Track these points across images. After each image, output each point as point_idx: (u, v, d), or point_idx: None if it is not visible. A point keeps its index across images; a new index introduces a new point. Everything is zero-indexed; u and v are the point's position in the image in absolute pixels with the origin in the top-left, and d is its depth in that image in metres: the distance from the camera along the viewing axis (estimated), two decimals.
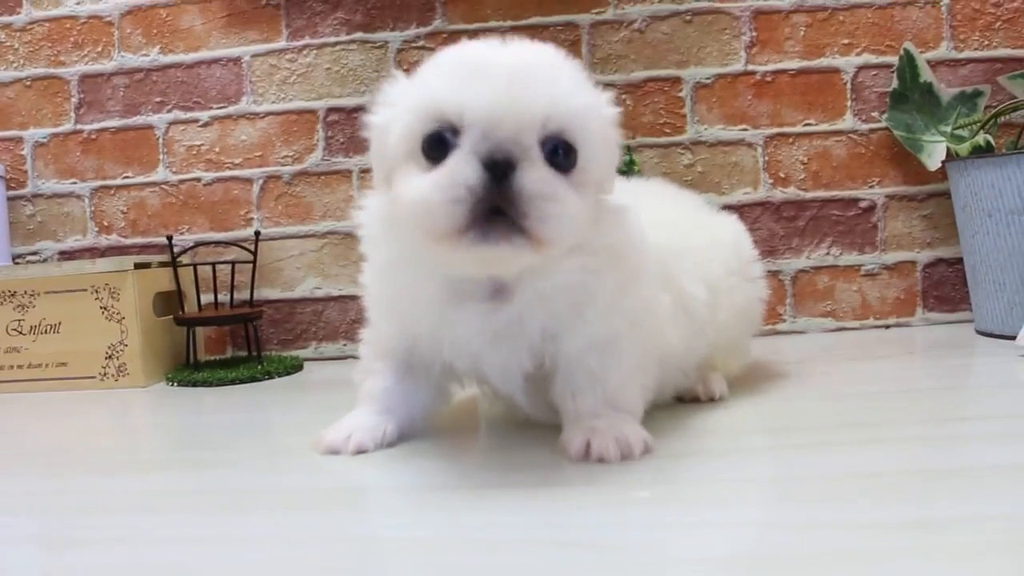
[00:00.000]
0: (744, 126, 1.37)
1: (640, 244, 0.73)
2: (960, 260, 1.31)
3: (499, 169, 0.59)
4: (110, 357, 1.26)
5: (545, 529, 0.55)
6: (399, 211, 0.65)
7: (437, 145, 0.62)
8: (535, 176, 0.60)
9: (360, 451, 0.75)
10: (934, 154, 1.31)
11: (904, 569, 0.45)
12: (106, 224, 1.48)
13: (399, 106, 0.67)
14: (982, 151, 1.20)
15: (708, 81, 1.37)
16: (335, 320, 1.44)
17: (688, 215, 0.95)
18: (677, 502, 0.59)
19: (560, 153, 0.63)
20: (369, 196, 0.75)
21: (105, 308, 1.26)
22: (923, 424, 0.78)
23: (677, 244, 0.83)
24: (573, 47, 1.38)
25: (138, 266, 1.27)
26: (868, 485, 0.60)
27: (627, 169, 1.22)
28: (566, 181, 0.63)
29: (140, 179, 1.47)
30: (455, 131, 0.62)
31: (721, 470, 0.66)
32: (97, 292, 1.26)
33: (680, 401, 0.88)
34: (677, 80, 1.37)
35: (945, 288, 1.37)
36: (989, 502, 0.55)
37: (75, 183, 1.48)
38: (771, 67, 1.37)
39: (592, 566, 0.48)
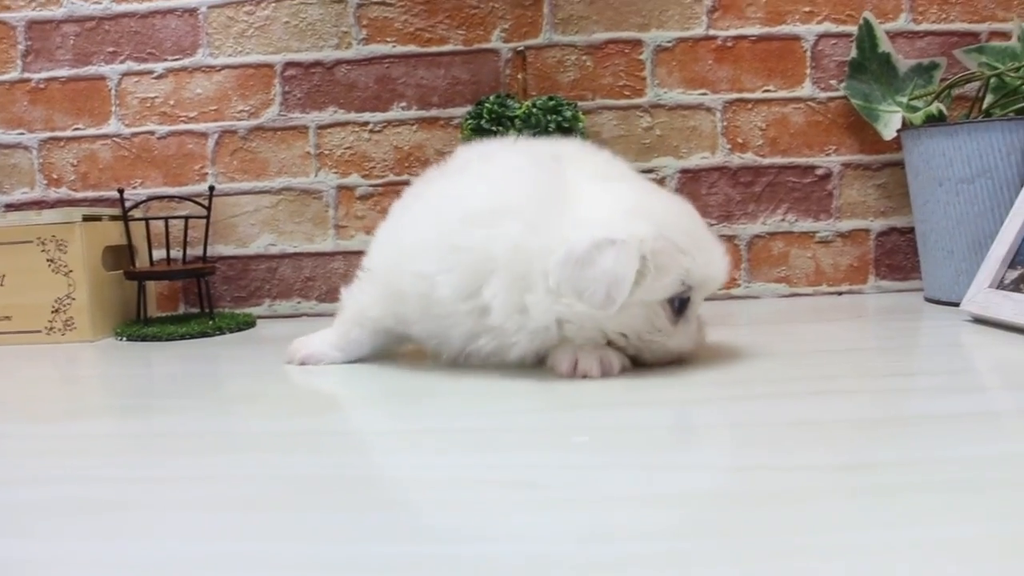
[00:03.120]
0: (704, 91, 1.37)
1: None
2: (912, 230, 1.33)
3: None
4: (57, 311, 1.24)
5: (487, 469, 0.55)
6: None
7: None
8: None
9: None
10: (890, 124, 1.32)
11: (830, 506, 0.46)
12: (55, 177, 1.45)
13: None
14: (935, 120, 1.21)
15: (669, 44, 1.37)
16: (289, 277, 1.43)
17: None
18: (619, 446, 0.59)
19: None
20: None
21: (52, 261, 1.23)
22: (866, 379, 0.79)
23: None
24: (534, 7, 1.36)
25: (87, 218, 1.25)
26: (806, 432, 0.60)
27: (571, 126, 1.22)
28: None
29: (91, 131, 1.44)
30: None
31: (665, 418, 0.67)
32: (44, 244, 1.23)
33: None
34: (638, 43, 1.37)
35: (897, 257, 1.39)
36: (922, 447, 0.56)
37: (22, 134, 1.45)
38: (732, 32, 1.37)
39: (531, 503, 0.48)
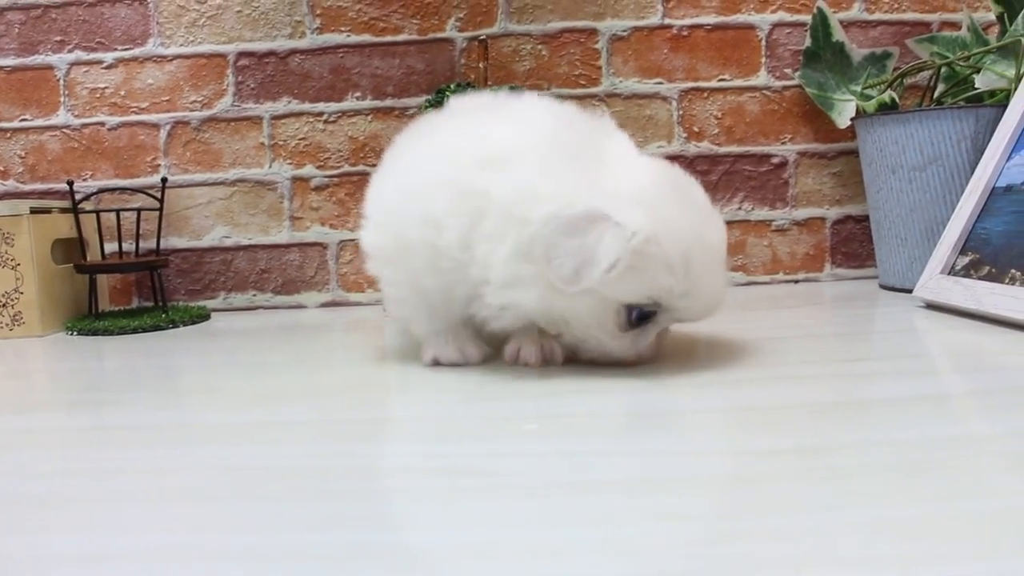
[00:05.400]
0: (659, 80, 1.37)
1: None
2: (867, 218, 1.34)
3: None
4: (4, 305, 1.21)
5: (436, 458, 0.55)
6: None
7: None
8: None
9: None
10: (844, 112, 1.33)
11: (780, 489, 0.46)
12: (2, 169, 1.42)
13: None
14: (888, 109, 1.22)
15: (624, 34, 1.37)
16: (244, 270, 1.41)
17: None
18: (565, 433, 0.59)
19: None
20: None
21: None
22: (819, 364, 0.80)
23: None
24: None
25: (35, 211, 1.22)
26: (759, 417, 0.61)
27: None
28: None
29: (39, 122, 1.41)
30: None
31: (618, 405, 0.67)
32: None
33: None
34: (593, 32, 1.37)
35: (853, 244, 1.41)
36: (873, 430, 0.57)
37: None
38: (687, 21, 1.37)
39: (477, 490, 0.47)
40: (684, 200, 0.74)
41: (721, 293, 0.76)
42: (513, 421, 0.62)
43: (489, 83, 1.29)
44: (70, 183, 1.24)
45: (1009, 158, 1.03)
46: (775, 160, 1.39)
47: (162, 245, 1.37)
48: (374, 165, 1.36)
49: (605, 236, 0.68)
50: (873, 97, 1.26)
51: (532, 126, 0.77)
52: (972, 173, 1.09)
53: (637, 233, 0.68)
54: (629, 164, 0.76)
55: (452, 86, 1.24)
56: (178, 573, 0.39)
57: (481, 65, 1.25)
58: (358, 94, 1.38)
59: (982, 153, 1.08)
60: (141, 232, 1.33)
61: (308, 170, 1.39)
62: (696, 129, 1.38)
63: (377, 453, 0.58)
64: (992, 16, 1.28)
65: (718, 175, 1.38)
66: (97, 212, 1.29)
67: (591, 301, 0.72)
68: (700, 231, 0.72)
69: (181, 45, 1.39)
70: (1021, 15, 1.17)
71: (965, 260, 1.03)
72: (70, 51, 1.40)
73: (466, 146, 0.78)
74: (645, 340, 0.76)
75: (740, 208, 1.39)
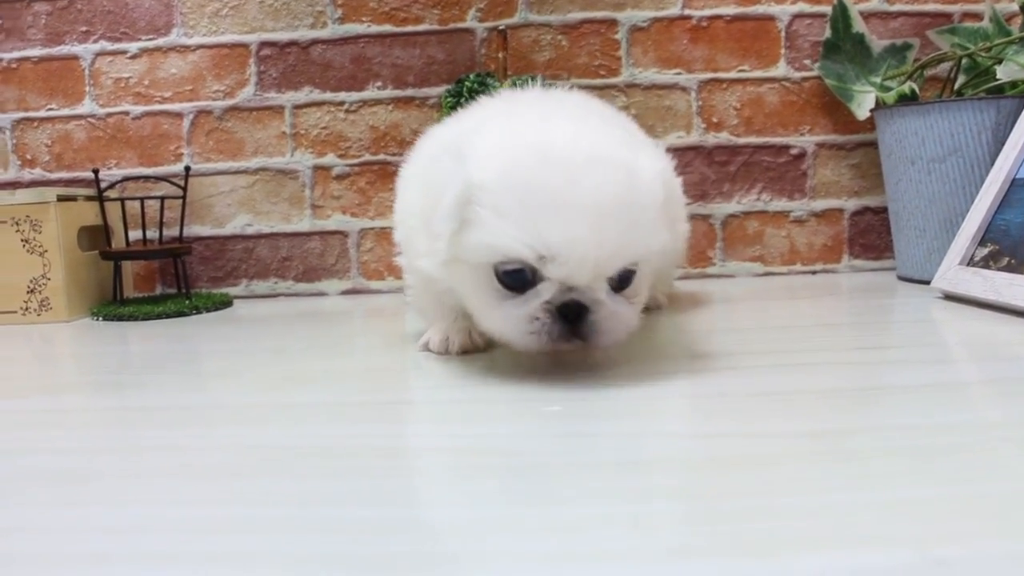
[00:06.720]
0: (679, 70, 1.37)
1: None
2: (886, 209, 1.34)
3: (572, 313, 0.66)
4: (32, 291, 1.23)
5: (451, 438, 0.56)
6: None
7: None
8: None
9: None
10: (864, 104, 1.33)
11: (793, 471, 0.46)
12: (29, 158, 1.44)
13: None
14: (908, 100, 1.22)
15: (644, 24, 1.37)
16: (266, 257, 1.43)
17: None
18: (591, 416, 0.60)
19: (625, 279, 0.68)
20: None
21: (26, 241, 1.23)
22: (835, 351, 0.80)
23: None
24: None
25: (62, 199, 1.24)
26: (773, 402, 0.61)
27: None
28: (624, 297, 0.69)
29: (65, 111, 1.43)
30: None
31: (637, 388, 0.67)
32: (18, 224, 1.23)
33: None
34: (613, 22, 1.37)
35: (871, 236, 1.40)
36: (887, 415, 0.57)
37: None
38: (707, 12, 1.37)
39: (500, 469, 0.48)
40: (544, 154, 0.66)
41: (598, 249, 0.65)
42: (533, 403, 0.63)
43: (509, 73, 1.29)
44: (95, 171, 1.26)
45: None
46: (794, 151, 1.39)
47: (185, 233, 1.39)
48: (395, 154, 1.38)
49: (447, 195, 0.67)
50: (893, 88, 1.26)
51: (486, 115, 0.80)
52: (992, 164, 1.08)
53: (467, 183, 0.66)
54: (525, 128, 0.71)
55: (472, 76, 1.25)
56: (204, 546, 0.40)
57: (500, 55, 1.26)
58: (379, 83, 1.39)
59: (1003, 144, 1.08)
60: (165, 220, 1.35)
61: (329, 159, 1.40)
62: (715, 120, 1.38)
63: (399, 433, 0.59)
64: (1015, 6, 1.27)
65: (736, 166, 1.39)
66: (122, 200, 1.31)
67: (465, 269, 0.69)
68: (555, 182, 0.64)
69: (204, 35, 1.41)
70: None
71: (984, 251, 1.03)
72: (95, 41, 1.42)
73: (441, 142, 0.82)
74: (525, 310, 0.67)
75: (759, 199, 1.39)
